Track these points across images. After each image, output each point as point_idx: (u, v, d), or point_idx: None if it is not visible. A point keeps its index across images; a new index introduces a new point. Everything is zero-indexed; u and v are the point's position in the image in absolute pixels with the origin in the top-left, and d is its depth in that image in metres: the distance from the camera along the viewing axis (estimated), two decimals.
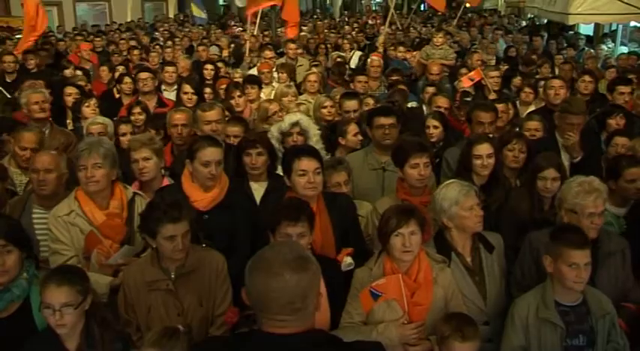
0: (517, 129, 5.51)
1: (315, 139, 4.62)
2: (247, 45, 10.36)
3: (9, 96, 7.43)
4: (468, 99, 6.75)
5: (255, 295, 1.90)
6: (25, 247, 2.99)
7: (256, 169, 4.12)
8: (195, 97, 6.39)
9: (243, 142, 4.26)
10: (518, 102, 6.88)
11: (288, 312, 1.88)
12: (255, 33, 11.54)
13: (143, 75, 6.95)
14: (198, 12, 18.01)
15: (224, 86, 7.09)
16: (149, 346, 2.76)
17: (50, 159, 3.88)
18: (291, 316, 1.89)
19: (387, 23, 11.79)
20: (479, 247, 3.46)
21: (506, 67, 9.03)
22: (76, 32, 15.45)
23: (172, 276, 3.18)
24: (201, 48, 10.64)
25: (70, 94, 6.57)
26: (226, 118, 5.24)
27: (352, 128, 5.00)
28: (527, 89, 6.91)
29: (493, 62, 9.89)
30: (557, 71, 8.87)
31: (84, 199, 3.59)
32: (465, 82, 7.09)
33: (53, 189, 3.83)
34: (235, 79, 7.58)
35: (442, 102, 5.92)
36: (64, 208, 3.61)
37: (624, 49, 12.64)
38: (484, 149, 4.10)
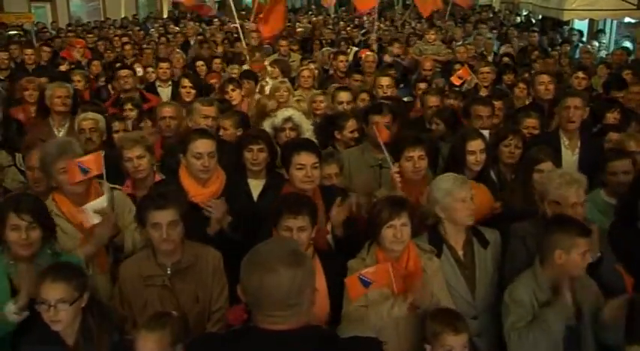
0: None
1: (308, 134, 4.61)
2: (254, 41, 10.23)
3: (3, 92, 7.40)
4: (457, 88, 6.80)
5: (251, 291, 1.91)
6: (47, 227, 3.13)
7: (257, 165, 4.10)
8: (193, 92, 6.38)
9: (245, 138, 4.24)
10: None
11: (283, 308, 1.88)
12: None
13: (123, 72, 6.90)
14: None
15: (213, 81, 7.07)
16: (140, 329, 2.78)
17: None
18: (287, 311, 1.89)
19: (377, 20, 11.70)
20: (472, 241, 3.47)
21: (507, 59, 9.00)
22: (70, 29, 15.35)
23: (168, 271, 3.17)
24: (205, 46, 10.55)
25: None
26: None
27: (351, 124, 4.92)
28: (521, 85, 6.89)
29: (490, 58, 9.88)
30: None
31: (61, 200, 3.57)
32: (455, 81, 7.11)
33: (48, 186, 3.79)
34: (234, 75, 7.53)
35: (432, 101, 5.85)
36: None
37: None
38: (477, 145, 4.11)
